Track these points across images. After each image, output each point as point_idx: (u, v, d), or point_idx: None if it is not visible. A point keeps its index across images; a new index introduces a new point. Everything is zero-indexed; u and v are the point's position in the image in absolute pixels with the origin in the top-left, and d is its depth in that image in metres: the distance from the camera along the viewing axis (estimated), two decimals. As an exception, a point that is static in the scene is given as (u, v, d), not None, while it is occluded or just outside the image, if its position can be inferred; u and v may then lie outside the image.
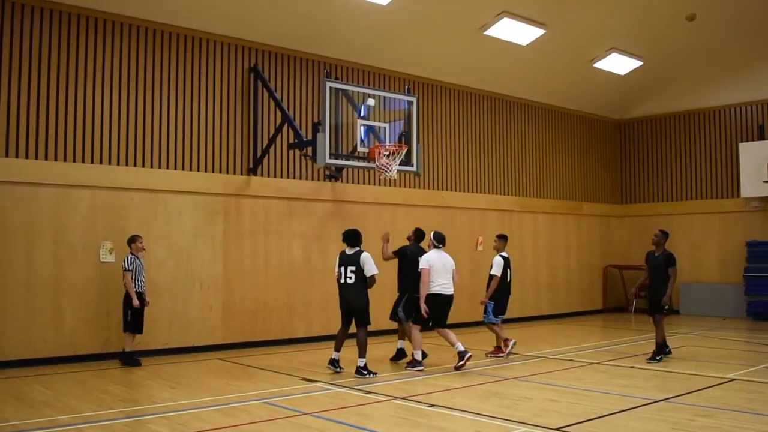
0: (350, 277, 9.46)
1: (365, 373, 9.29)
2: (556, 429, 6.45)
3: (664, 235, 10.80)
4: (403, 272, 10.66)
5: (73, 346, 10.54)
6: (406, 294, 10.55)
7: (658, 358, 10.45)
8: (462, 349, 9.73)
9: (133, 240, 10.52)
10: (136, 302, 10.23)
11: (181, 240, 11.71)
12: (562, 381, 9.01)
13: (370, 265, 9.42)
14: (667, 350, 10.73)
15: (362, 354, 9.38)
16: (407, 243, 11.00)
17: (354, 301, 9.49)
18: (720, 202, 18.35)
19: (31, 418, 6.99)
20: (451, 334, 9.86)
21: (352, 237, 9.63)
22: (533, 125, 17.95)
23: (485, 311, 11.10)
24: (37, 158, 10.48)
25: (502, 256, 11.20)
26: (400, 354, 10.75)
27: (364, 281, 9.43)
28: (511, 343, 11.03)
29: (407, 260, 10.58)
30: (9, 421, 6.86)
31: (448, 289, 9.90)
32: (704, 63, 17.01)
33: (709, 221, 18.39)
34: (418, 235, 10.95)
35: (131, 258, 10.37)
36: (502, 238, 11.46)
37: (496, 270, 11.02)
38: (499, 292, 11.03)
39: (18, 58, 10.42)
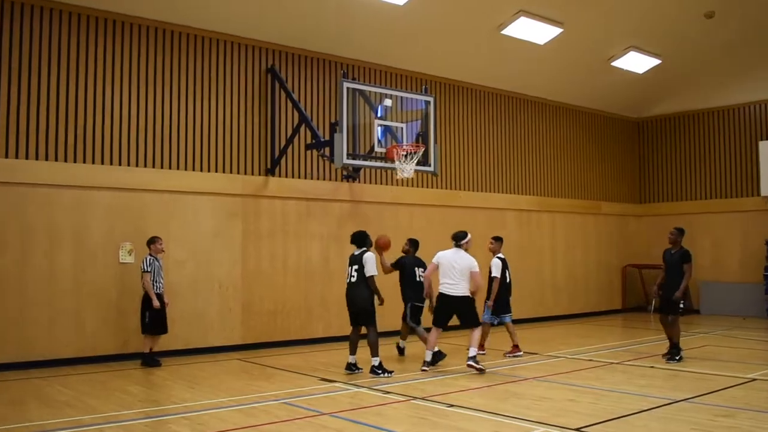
0: (353, 276, 9.57)
1: (380, 372, 9.31)
2: (576, 429, 6.42)
3: (680, 232, 10.70)
4: (404, 282, 10.80)
5: (93, 347, 10.65)
6: (408, 303, 10.69)
7: (677, 357, 10.36)
8: (429, 359, 9.80)
9: (152, 241, 10.58)
10: (156, 303, 10.29)
11: (200, 241, 11.78)
12: (582, 381, 8.97)
13: (369, 265, 9.49)
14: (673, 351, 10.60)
15: (374, 353, 9.41)
16: (404, 255, 11.08)
17: (357, 300, 9.55)
18: (740, 200, 18.18)
19: (53, 418, 7.06)
20: (434, 336, 9.86)
21: (359, 238, 9.79)
22: (551, 124, 17.87)
23: (484, 312, 11.15)
24: (56, 160, 10.58)
25: (499, 257, 11.20)
26: (401, 351, 11.16)
27: (367, 282, 9.50)
28: (481, 352, 11.01)
29: (406, 271, 10.77)
30: (32, 421, 6.94)
31: (451, 290, 9.67)
32: (723, 60, 16.84)
33: (730, 220, 18.21)
34: (414, 245, 11.06)
35: (150, 259, 10.44)
36: (498, 240, 11.46)
37: (496, 272, 11.01)
38: (499, 292, 11.05)
39: (38, 60, 10.54)
